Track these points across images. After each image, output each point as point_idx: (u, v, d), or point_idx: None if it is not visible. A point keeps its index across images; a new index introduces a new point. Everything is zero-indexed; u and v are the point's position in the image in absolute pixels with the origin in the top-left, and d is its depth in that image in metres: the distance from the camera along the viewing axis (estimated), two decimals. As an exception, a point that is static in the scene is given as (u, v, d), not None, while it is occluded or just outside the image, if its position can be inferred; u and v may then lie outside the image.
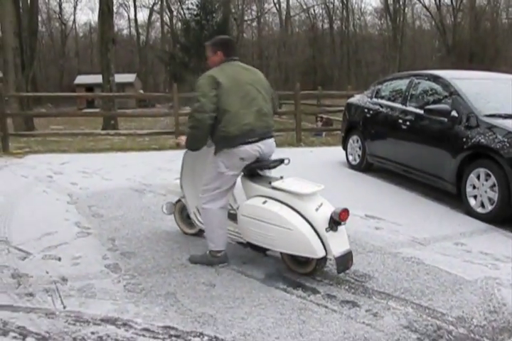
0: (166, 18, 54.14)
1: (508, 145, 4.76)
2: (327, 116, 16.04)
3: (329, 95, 19.51)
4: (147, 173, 7.21)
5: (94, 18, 58.88)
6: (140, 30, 58.07)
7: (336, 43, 55.06)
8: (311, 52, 54.24)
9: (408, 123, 6.24)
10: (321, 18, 57.89)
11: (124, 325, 2.83)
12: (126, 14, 70.94)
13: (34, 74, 27.20)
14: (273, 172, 3.91)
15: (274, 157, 3.84)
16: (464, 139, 5.22)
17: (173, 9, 52.65)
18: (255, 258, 3.78)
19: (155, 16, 57.66)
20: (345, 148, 7.99)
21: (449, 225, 4.79)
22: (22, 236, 4.40)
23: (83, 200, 5.69)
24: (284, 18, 55.47)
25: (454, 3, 49.11)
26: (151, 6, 56.52)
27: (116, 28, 45.16)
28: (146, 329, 2.77)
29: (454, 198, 5.49)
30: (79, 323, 2.85)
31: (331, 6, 55.39)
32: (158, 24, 57.85)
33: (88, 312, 2.99)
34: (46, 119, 21.31)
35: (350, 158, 7.77)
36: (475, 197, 5.10)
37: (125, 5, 58.38)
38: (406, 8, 51.84)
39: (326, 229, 3.25)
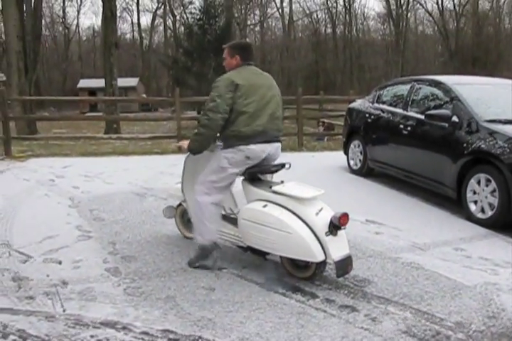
0: (169, 22, 54.39)
1: (508, 150, 4.77)
2: (329, 120, 16.07)
3: (331, 100, 19.53)
4: (149, 177, 7.23)
5: (97, 22, 59.01)
6: (143, 35, 58.30)
7: (338, 48, 55.14)
8: (314, 56, 54.33)
9: (409, 128, 6.25)
10: (323, 22, 58.03)
11: (124, 328, 2.84)
12: (129, 18, 70.94)
13: (37, 77, 27.30)
14: (275, 177, 3.94)
15: (276, 161, 3.88)
16: (465, 144, 5.24)
17: (176, 14, 52.84)
18: (255, 262, 3.79)
19: (158, 20, 57.94)
20: (346, 152, 8.00)
21: (449, 230, 4.80)
22: (23, 239, 4.42)
23: (85, 204, 5.71)
24: (287, 22, 55.61)
25: (457, 8, 49.24)
26: (154, 11, 56.78)
27: (119, 32, 45.48)
28: (145, 333, 2.78)
29: (455, 203, 5.50)
30: (78, 326, 2.86)
31: (334, 10, 55.56)
32: (161, 28, 58.09)
33: (88, 315, 3.00)
34: (49, 123, 21.39)
35: (352, 162, 7.79)
36: (475, 202, 5.11)
37: (128, 9, 58.96)
38: (409, 13, 52.06)
39: (326, 233, 3.27)
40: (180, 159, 4.29)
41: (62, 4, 55.82)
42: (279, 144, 3.84)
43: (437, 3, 49.65)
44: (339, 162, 8.28)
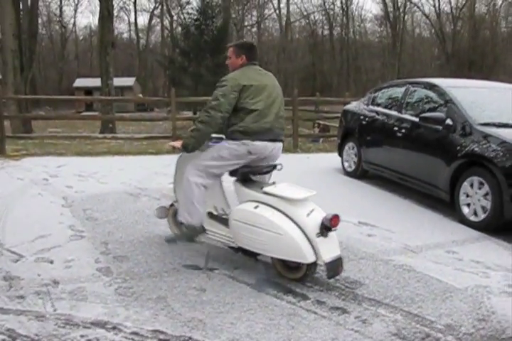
0: (166, 22, 54.31)
1: (501, 154, 4.79)
2: (324, 122, 16.09)
3: (327, 101, 19.55)
4: (143, 177, 7.22)
5: (94, 21, 59.08)
6: (140, 34, 58.20)
7: (335, 50, 55.18)
8: (311, 58, 54.38)
9: (403, 130, 6.27)
10: (321, 24, 58.04)
11: (114, 328, 2.84)
12: (126, 18, 71.18)
13: (33, 76, 27.28)
14: (271, 179, 3.97)
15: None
16: (458, 147, 5.25)
17: (173, 14, 52.81)
18: (247, 263, 3.78)
19: (155, 20, 57.84)
20: (341, 154, 8.01)
21: (442, 233, 4.81)
22: (15, 238, 4.40)
23: (78, 203, 5.69)
24: (284, 23, 55.61)
25: (454, 11, 49.34)
26: (151, 10, 56.69)
27: (116, 32, 45.46)
28: (136, 333, 2.78)
29: (448, 206, 5.52)
30: (69, 326, 2.85)
31: (331, 12, 55.58)
32: (158, 28, 58.04)
33: (78, 315, 2.99)
34: (44, 122, 21.35)
35: (346, 164, 7.79)
36: (468, 205, 5.13)
37: (126, 9, 58.81)
38: (406, 16, 52.12)
39: (317, 234, 3.26)
40: (174, 159, 4.28)
41: (59, 3, 55.76)
42: (281, 144, 3.93)
43: (434, 6, 49.93)
44: (334, 164, 8.29)
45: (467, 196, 5.13)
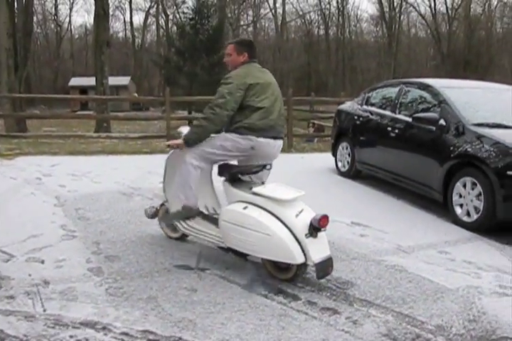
0: (162, 21, 54.20)
1: (494, 154, 4.79)
2: (319, 122, 16.09)
3: (322, 101, 19.55)
4: (137, 177, 7.20)
5: (89, 20, 58.61)
6: (136, 33, 58.07)
7: (331, 50, 55.19)
8: (306, 58, 54.38)
9: (397, 131, 6.27)
10: (316, 24, 58.06)
11: (103, 328, 2.82)
12: (122, 17, 70.75)
13: (28, 75, 27.18)
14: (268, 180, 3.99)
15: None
16: (451, 148, 5.26)
17: (168, 13, 52.64)
18: (238, 263, 3.77)
19: (151, 19, 57.71)
20: (334, 154, 8.01)
21: (435, 233, 4.82)
22: (7, 238, 4.37)
23: (70, 203, 5.67)
24: (279, 23, 55.59)
25: (450, 11, 49.42)
26: (147, 10, 56.53)
27: (111, 31, 45.24)
28: (125, 334, 2.77)
29: (441, 206, 5.52)
30: (58, 326, 2.84)
31: (327, 12, 55.59)
32: (154, 27, 57.89)
33: (68, 315, 2.98)
34: (39, 121, 21.29)
35: (340, 164, 7.79)
36: (461, 205, 5.13)
37: (121, 8, 58.72)
38: (402, 16, 52.16)
39: (306, 235, 3.25)
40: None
41: (54, 2, 55.53)
42: (282, 142, 3.99)
43: (430, 6, 49.85)
44: (328, 164, 8.29)
45: (460, 196, 5.13)
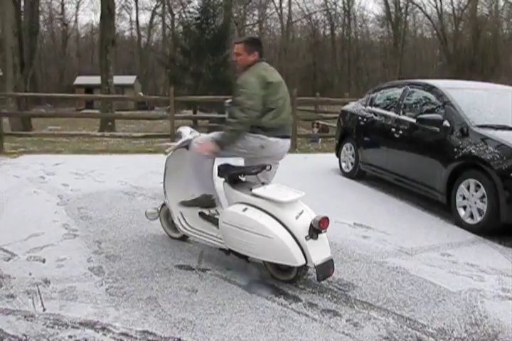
0: (168, 21, 54.21)
1: (498, 156, 4.76)
2: (323, 122, 16.06)
3: (327, 101, 19.51)
4: (140, 176, 7.19)
5: (96, 19, 58.74)
6: (142, 33, 58.11)
7: (337, 50, 55.03)
8: (312, 58, 54.26)
9: (401, 132, 6.24)
10: (322, 24, 57.89)
11: (103, 329, 2.81)
12: (128, 16, 70.83)
13: (34, 73, 27.25)
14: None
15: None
16: (455, 149, 5.23)
17: (174, 12, 52.64)
18: (240, 264, 3.75)
19: (157, 19, 57.70)
20: (338, 155, 7.98)
21: (438, 235, 4.79)
22: (9, 236, 4.38)
23: (73, 202, 5.67)
24: (285, 23, 55.53)
25: (456, 12, 49.24)
26: (153, 9, 56.54)
27: (117, 30, 45.26)
28: (124, 334, 2.76)
29: (444, 208, 5.49)
30: (57, 326, 2.83)
31: (333, 12, 55.42)
32: (160, 27, 57.90)
33: (68, 315, 2.97)
34: (45, 119, 21.31)
35: (343, 165, 7.77)
36: (464, 207, 5.10)
37: (127, 7, 58.35)
38: (408, 17, 52.01)
39: (306, 237, 3.23)
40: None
41: (60, 0, 55.61)
42: (290, 141, 4.01)
43: (436, 6, 49.67)
44: (331, 164, 8.26)
45: (464, 198, 5.10)
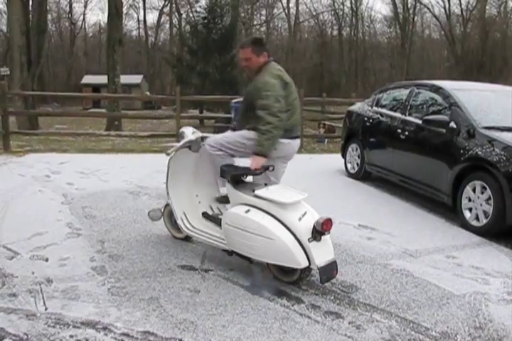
0: (175, 20, 54.26)
1: (504, 158, 4.72)
2: (330, 122, 16.02)
3: (333, 102, 19.47)
4: (145, 176, 7.19)
5: (104, 18, 58.81)
6: (149, 32, 58.23)
7: (344, 50, 54.92)
8: (319, 58, 54.18)
9: (407, 133, 6.21)
10: (330, 24, 57.78)
11: (104, 329, 2.81)
12: (135, 15, 71.05)
13: (42, 72, 27.30)
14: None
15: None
16: (462, 151, 5.19)
17: (182, 12, 52.68)
18: (243, 264, 3.74)
19: (164, 18, 57.79)
20: (344, 156, 7.96)
21: (443, 237, 4.75)
22: (12, 235, 4.38)
23: (77, 201, 5.67)
24: (292, 23, 55.46)
25: (464, 13, 49.05)
26: (160, 8, 56.65)
27: (125, 29, 45.42)
28: (126, 334, 2.75)
29: (450, 210, 5.45)
30: (59, 326, 2.83)
31: (341, 12, 55.34)
32: (167, 26, 57.96)
33: (69, 314, 2.97)
34: (52, 118, 21.36)
35: (349, 166, 7.74)
36: (470, 209, 5.06)
37: (135, 6, 58.57)
38: (415, 17, 51.81)
39: (309, 239, 3.20)
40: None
41: (69, 0, 55.81)
42: (299, 141, 4.02)
43: (444, 7, 49.48)
44: (337, 165, 8.23)
45: (469, 200, 5.06)
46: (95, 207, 5.42)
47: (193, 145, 3.96)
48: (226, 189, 3.72)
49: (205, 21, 26.31)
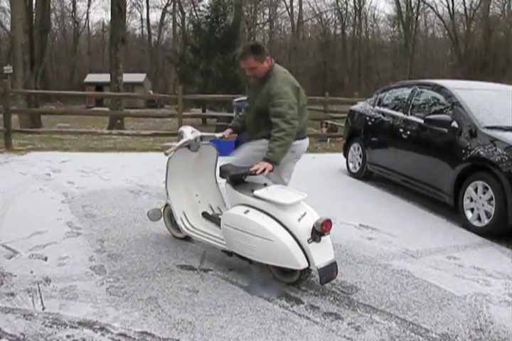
0: (179, 19, 54.22)
1: (507, 158, 4.69)
2: (332, 122, 15.97)
3: (336, 101, 19.42)
4: (145, 175, 7.18)
5: (107, 17, 59.03)
6: (152, 31, 58.19)
7: (347, 49, 54.83)
8: (322, 57, 54.06)
9: (409, 132, 6.18)
10: (333, 23, 57.69)
11: (102, 329, 2.79)
12: (139, 14, 71.10)
13: (45, 71, 27.31)
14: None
15: None
16: (463, 151, 5.16)
17: (185, 10, 52.67)
18: (242, 265, 3.72)
19: (167, 17, 57.76)
20: (346, 155, 7.93)
21: (444, 238, 4.72)
22: (12, 234, 4.37)
23: (78, 200, 5.66)
24: (296, 22, 55.41)
25: (468, 12, 48.92)
26: (163, 7, 56.59)
27: (128, 28, 45.40)
28: (123, 335, 2.73)
29: (452, 210, 5.42)
30: (56, 326, 2.81)
31: (344, 11, 55.27)
32: (170, 25, 57.95)
33: (67, 314, 2.95)
34: (54, 117, 21.37)
35: (351, 165, 7.71)
36: (472, 210, 5.03)
37: (138, 5, 58.56)
38: (419, 16, 51.73)
39: (309, 240, 3.17)
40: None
41: (72, -2, 55.78)
42: (308, 140, 4.08)
43: (448, 6, 49.41)
44: (339, 164, 8.21)
45: (471, 200, 5.03)
46: (95, 205, 5.40)
47: (192, 145, 3.93)
48: (225, 189, 3.69)
49: (209, 20, 26.24)
